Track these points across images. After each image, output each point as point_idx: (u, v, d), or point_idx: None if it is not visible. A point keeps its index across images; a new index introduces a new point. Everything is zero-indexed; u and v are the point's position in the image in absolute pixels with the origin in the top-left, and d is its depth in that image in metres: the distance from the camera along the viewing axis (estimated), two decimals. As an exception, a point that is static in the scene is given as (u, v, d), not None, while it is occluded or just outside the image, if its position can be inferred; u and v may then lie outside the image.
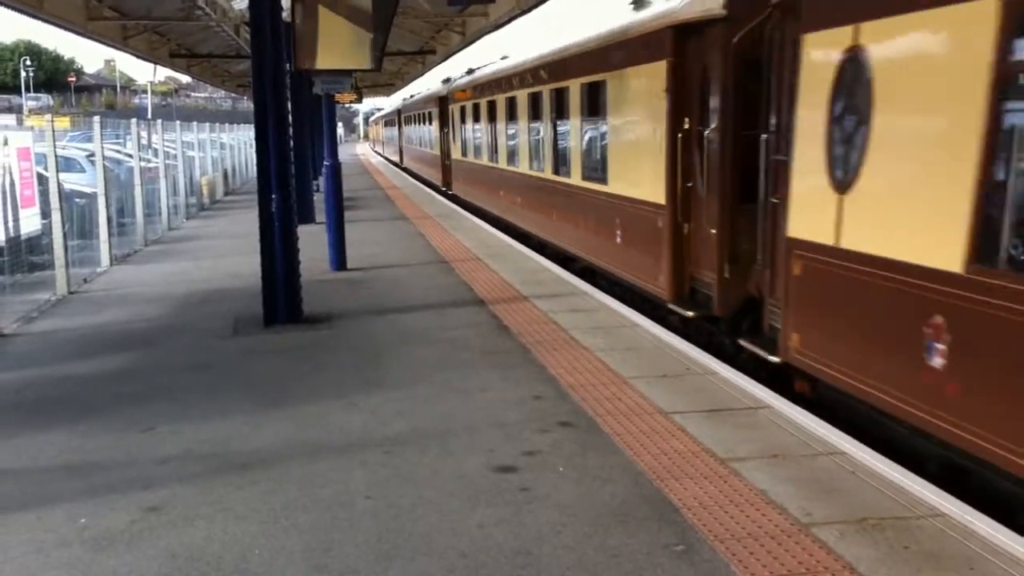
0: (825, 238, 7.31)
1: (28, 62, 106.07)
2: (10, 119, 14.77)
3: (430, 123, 35.08)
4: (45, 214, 13.39)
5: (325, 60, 12.47)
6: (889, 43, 6.68)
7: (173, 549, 5.03)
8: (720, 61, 9.64)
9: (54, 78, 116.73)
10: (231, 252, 16.88)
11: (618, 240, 12.64)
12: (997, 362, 5.49)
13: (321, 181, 18.21)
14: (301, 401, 7.68)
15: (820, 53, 7.52)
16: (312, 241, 15.07)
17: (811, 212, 7.62)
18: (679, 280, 10.73)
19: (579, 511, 5.36)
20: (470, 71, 27.26)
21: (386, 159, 63.45)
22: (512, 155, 19.74)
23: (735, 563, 4.69)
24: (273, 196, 10.58)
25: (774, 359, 8.22)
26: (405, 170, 47.70)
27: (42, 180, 13.63)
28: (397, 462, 6.23)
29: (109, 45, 26.76)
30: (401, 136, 50.81)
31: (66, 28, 21.97)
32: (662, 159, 10.75)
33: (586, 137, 14.25)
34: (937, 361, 5.98)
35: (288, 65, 11.36)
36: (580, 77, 14.13)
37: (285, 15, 11.48)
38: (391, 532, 5.16)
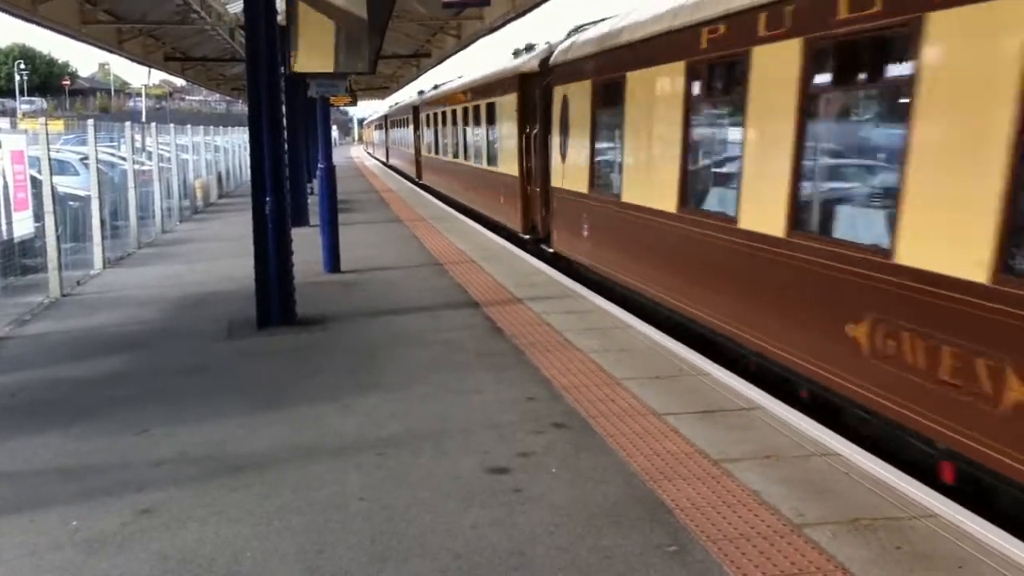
0: (560, 184, 15.24)
1: (22, 66, 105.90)
2: (4, 122, 14.73)
3: (407, 127, 43.92)
4: (38, 217, 13.37)
5: (320, 63, 12.48)
6: (574, 94, 14.27)
7: (165, 551, 5.03)
8: (538, 95, 16.86)
9: (48, 82, 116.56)
10: (225, 255, 16.87)
11: (501, 200, 20.42)
12: (599, 227, 13.19)
13: (315, 183, 18.21)
14: (295, 403, 7.68)
15: (558, 96, 15.16)
16: (306, 243, 15.07)
17: (556, 173, 15.50)
18: (526, 220, 18.41)
19: (572, 512, 5.36)
20: (435, 87, 34.34)
21: (375, 158, 70.62)
22: (455, 151, 27.91)
23: (727, 564, 4.69)
24: (267, 198, 10.58)
25: (551, 249, 16.05)
26: (390, 167, 56.10)
27: (36, 183, 13.62)
28: (391, 464, 6.24)
29: (104, 49, 26.77)
30: (387, 138, 60.92)
31: (60, 32, 21.95)
32: (517, 150, 18.29)
33: (489, 138, 22.02)
34: (585, 232, 13.84)
35: (283, 68, 11.35)
36: (484, 99, 22.19)
37: (280, 18, 11.48)
38: (385, 534, 5.17)
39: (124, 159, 19.98)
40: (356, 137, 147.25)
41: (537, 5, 20.06)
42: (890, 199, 6.71)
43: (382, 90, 58.81)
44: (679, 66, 10.08)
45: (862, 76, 7.66)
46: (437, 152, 32.15)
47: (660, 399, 7.46)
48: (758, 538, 4.96)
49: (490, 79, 21.46)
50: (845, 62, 7.52)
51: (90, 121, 16.44)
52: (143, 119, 68.99)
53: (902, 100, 6.58)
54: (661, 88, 10.73)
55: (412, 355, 9.19)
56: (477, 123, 23.42)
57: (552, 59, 15.59)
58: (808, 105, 7.75)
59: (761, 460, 6.10)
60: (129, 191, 18.72)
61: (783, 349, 8.05)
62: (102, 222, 15.74)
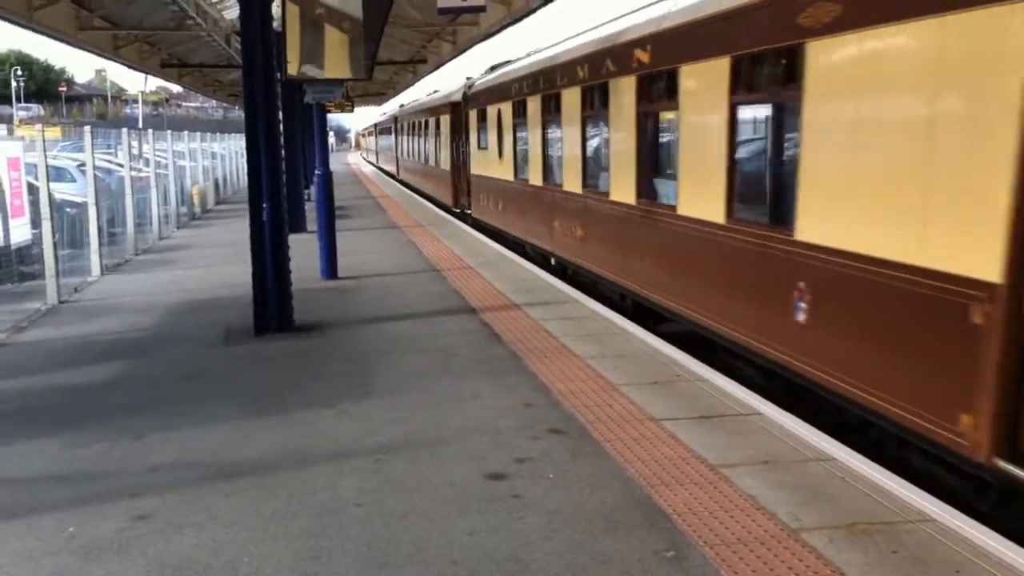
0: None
1: (19, 72, 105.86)
2: (1, 129, 14.73)
3: (389, 135, 56.48)
4: (35, 224, 13.36)
5: (315, 69, 12.47)
6: (482, 113, 21.61)
7: (162, 557, 5.03)
8: (459, 116, 25.02)
9: (45, 88, 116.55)
10: (222, 261, 16.87)
11: (444, 184, 28.65)
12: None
13: (312, 190, 18.21)
14: (292, 409, 7.67)
15: (471, 116, 22.89)
16: (303, 250, 15.07)
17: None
18: (456, 197, 26.44)
19: (570, 518, 5.36)
20: (401, 106, 49.89)
21: (369, 162, 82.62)
22: (409, 154, 41.27)
23: (725, 569, 4.69)
24: (264, 205, 10.58)
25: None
26: (371, 163, 76.46)
27: (32, 190, 13.61)
28: (388, 470, 6.23)
29: (100, 55, 26.74)
30: (377, 143, 77.85)
31: (57, 38, 21.94)
32: (448, 153, 28.07)
33: (430, 143, 32.19)
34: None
35: (279, 74, 11.36)
36: (427, 115, 32.85)
37: (276, 24, 11.48)
38: (381, 540, 5.16)
39: (121, 166, 19.97)
40: (353, 143, 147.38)
41: (532, 11, 20.07)
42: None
43: (379, 96, 58.82)
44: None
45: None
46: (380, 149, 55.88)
47: (658, 405, 7.46)
48: (755, 543, 4.96)
49: (432, 101, 34.73)
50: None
51: (87, 128, 16.43)
52: (140, 125, 68.97)
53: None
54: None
55: (409, 361, 9.19)
56: (426, 134, 37.05)
57: (397, 111, 37.82)
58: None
59: (758, 465, 6.11)
60: (126, 198, 18.70)
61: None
62: (99, 229, 15.74)
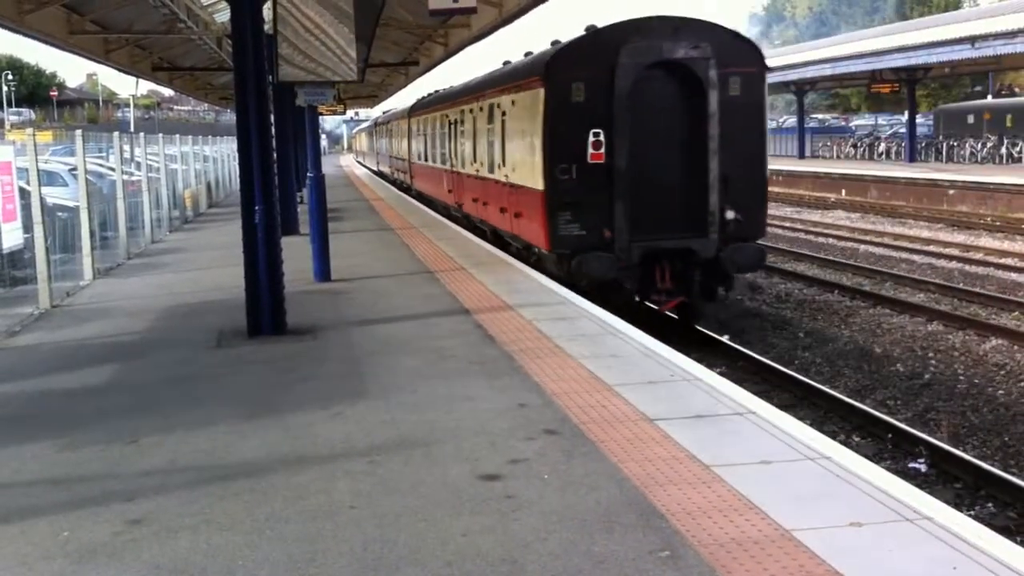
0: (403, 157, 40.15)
1: (10, 77, 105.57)
2: (-8, 133, 14.71)
3: (372, 138, 65.50)
4: (27, 228, 13.32)
5: (307, 72, 12.46)
6: (415, 124, 34.12)
7: (157, 561, 5.01)
8: (406, 125, 36.45)
9: (36, 92, 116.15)
10: (215, 264, 16.84)
11: (407, 172, 37.52)
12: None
13: (305, 192, 18.19)
14: (285, 412, 7.66)
15: (412, 124, 34.35)
16: (296, 252, 15.05)
17: (413, 153, 35.77)
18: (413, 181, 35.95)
19: (564, 518, 5.36)
20: (383, 112, 59.83)
21: (357, 162, 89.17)
22: (386, 151, 50.06)
23: (720, 568, 4.70)
24: (257, 208, 10.57)
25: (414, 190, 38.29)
26: (360, 163, 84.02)
27: (24, 194, 13.56)
28: (382, 472, 6.23)
29: (91, 59, 26.68)
30: (364, 145, 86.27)
31: (48, 42, 21.86)
32: (406, 146, 36.93)
33: (396, 143, 42.35)
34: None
35: (270, 77, 11.34)
36: (394, 122, 44.21)
37: (267, 27, 11.47)
38: (376, 542, 5.16)
39: (113, 170, 19.91)
40: (345, 146, 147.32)
41: (523, 12, 20.07)
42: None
43: (370, 98, 58.78)
44: (406, 121, 36.11)
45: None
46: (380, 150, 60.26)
47: (652, 404, 7.46)
48: (750, 543, 4.97)
49: (389, 114, 47.14)
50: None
51: (78, 131, 16.39)
52: (131, 129, 68.84)
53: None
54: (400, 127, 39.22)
55: (403, 363, 9.18)
56: (388, 137, 46.52)
57: (379, 117, 51.75)
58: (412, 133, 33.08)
59: (753, 465, 6.11)
60: (118, 201, 18.66)
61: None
62: (91, 233, 15.69)
